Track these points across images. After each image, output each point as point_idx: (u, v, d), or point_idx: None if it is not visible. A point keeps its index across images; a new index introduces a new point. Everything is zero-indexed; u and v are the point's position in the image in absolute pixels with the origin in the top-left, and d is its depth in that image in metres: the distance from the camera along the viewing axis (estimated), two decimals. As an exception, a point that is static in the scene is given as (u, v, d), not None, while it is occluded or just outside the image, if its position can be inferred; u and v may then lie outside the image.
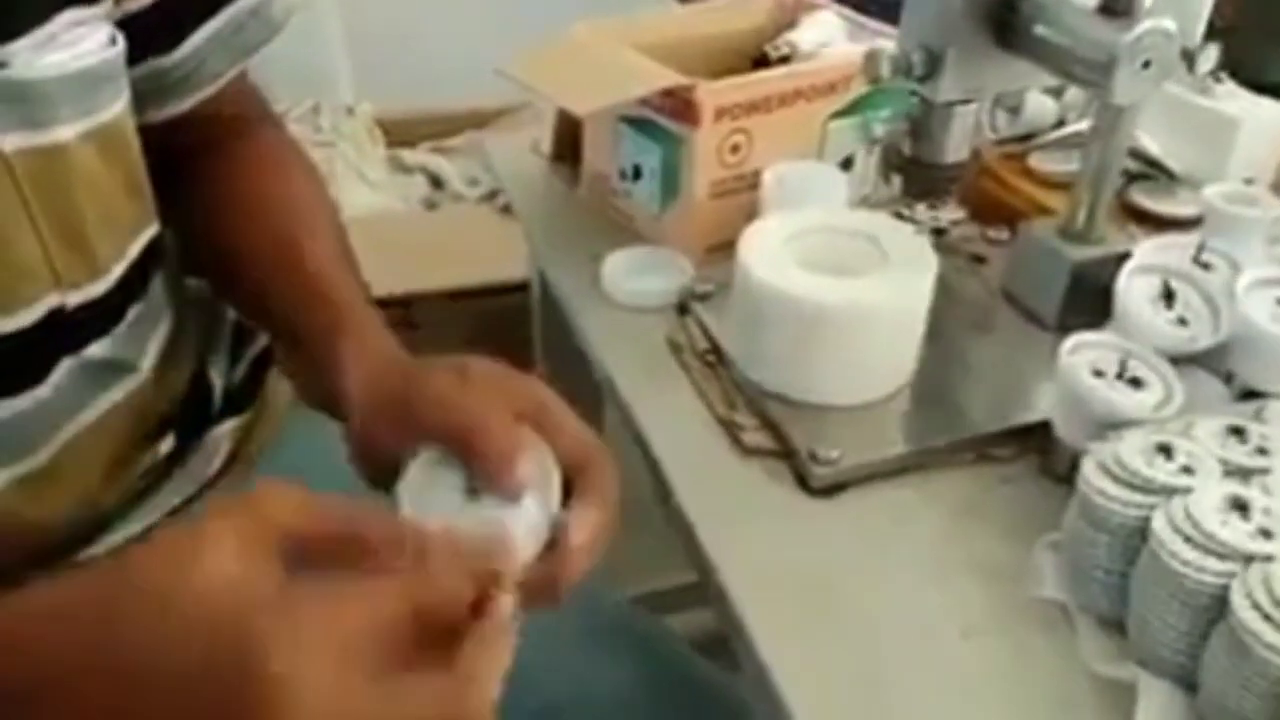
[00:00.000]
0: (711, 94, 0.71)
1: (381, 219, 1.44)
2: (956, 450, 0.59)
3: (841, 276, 0.60)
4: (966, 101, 0.54)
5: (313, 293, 0.53)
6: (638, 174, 0.78)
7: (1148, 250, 0.62)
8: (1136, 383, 0.54)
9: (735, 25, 0.86)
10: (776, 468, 0.59)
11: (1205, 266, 0.62)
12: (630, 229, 0.80)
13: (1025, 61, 0.51)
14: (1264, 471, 0.48)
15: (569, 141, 0.87)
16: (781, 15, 0.89)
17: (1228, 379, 0.56)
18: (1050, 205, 0.75)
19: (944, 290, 0.73)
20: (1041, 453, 0.59)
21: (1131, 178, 0.78)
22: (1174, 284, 0.58)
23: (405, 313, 1.25)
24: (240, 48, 0.58)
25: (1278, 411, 0.52)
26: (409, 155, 1.64)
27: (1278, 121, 0.77)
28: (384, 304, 0.56)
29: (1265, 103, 0.78)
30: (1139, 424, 0.52)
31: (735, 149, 0.74)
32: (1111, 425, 0.52)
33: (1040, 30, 0.49)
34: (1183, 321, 0.57)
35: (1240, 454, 0.49)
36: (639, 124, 0.76)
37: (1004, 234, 0.77)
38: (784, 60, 0.83)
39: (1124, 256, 0.64)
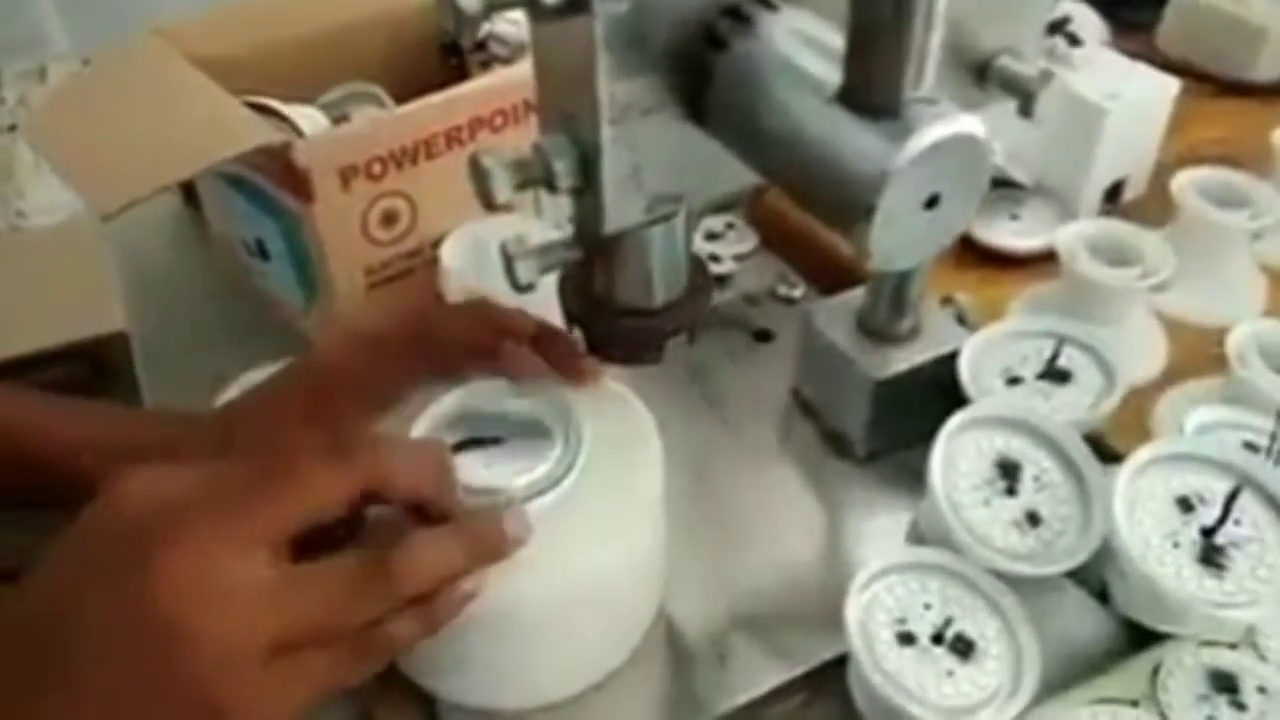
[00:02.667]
0: (321, 152, 0.45)
1: (69, 228, 1.14)
2: None
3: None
4: (657, 221, 0.31)
5: None
6: (264, 252, 0.53)
7: (978, 351, 0.41)
8: (963, 648, 0.34)
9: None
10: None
11: (1064, 378, 0.42)
12: (279, 322, 0.56)
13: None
14: None
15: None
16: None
17: (1104, 596, 0.37)
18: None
19: (714, 397, 0.51)
20: (845, 699, 0.39)
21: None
22: (1014, 454, 0.37)
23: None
24: None
25: (1185, 680, 0.33)
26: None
27: (1157, 96, 0.55)
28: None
29: (1140, 70, 0.56)
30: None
31: (389, 218, 0.49)
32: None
33: (750, 116, 0.26)
34: (1033, 519, 0.36)
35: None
36: (243, 188, 0.50)
37: (798, 290, 0.55)
38: (481, 52, 0.58)
39: (948, 358, 0.43)
